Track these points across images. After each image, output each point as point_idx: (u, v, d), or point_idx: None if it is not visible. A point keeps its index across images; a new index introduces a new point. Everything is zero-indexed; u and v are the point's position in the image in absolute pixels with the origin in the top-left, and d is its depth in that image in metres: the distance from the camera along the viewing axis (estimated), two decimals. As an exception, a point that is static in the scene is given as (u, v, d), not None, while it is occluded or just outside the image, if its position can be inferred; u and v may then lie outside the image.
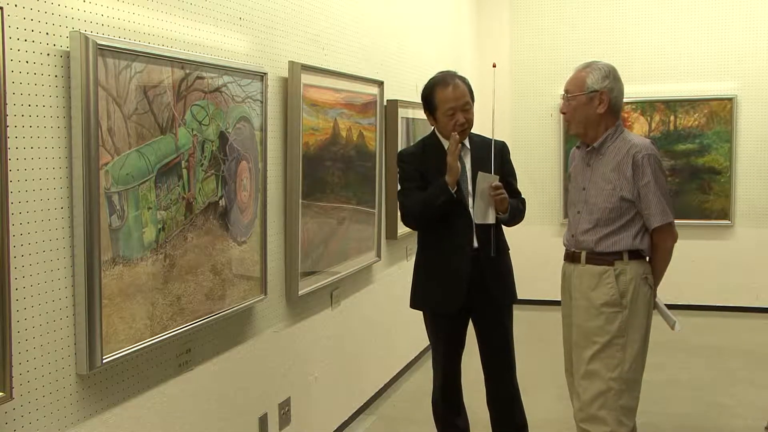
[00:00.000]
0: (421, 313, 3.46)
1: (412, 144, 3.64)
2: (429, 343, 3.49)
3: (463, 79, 3.29)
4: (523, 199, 3.46)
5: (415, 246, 3.45)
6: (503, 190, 3.19)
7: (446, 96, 3.23)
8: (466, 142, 3.31)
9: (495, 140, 3.35)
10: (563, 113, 3.14)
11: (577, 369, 3.04)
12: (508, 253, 3.42)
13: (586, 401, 2.96)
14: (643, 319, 2.98)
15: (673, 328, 3.08)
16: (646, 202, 2.96)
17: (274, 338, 3.33)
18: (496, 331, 3.37)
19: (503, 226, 3.36)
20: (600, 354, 2.94)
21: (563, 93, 3.11)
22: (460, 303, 3.26)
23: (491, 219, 3.22)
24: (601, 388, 2.93)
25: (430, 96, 3.28)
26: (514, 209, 3.30)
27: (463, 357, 3.44)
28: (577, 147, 3.22)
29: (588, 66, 3.05)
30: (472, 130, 3.35)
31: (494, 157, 3.26)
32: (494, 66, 3.49)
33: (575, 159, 3.24)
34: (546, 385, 4.68)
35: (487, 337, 3.39)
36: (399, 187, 3.40)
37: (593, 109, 3.01)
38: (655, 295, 3.06)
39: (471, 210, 3.24)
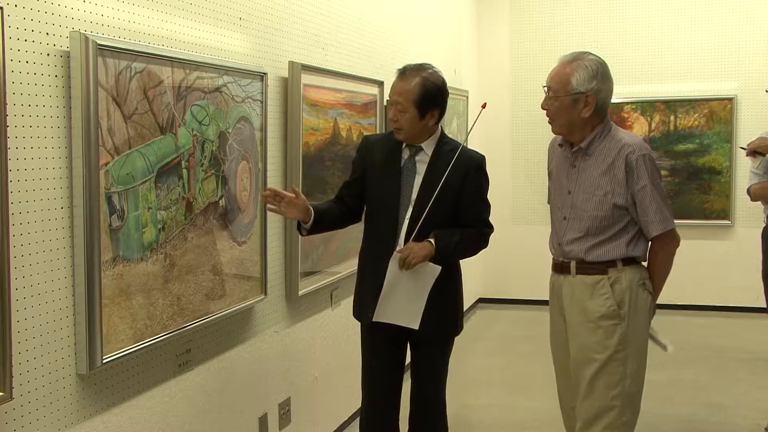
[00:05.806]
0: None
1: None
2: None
3: (424, 79, 2.72)
4: (485, 232, 2.87)
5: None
6: (407, 255, 2.67)
7: (391, 86, 2.82)
8: (426, 147, 2.81)
9: (471, 153, 2.86)
10: (544, 109, 2.75)
11: (576, 387, 2.84)
12: (457, 278, 2.91)
13: (588, 420, 2.78)
14: (643, 329, 2.77)
15: (665, 350, 2.88)
16: (642, 209, 2.68)
17: (274, 338, 3.33)
18: (424, 363, 2.95)
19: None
20: (601, 371, 2.73)
21: (544, 87, 2.75)
22: (369, 317, 2.83)
23: (416, 313, 2.75)
24: (604, 407, 2.74)
25: None
26: (448, 250, 2.73)
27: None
28: (560, 145, 2.88)
29: (575, 60, 2.72)
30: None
31: (452, 170, 2.71)
32: (483, 106, 2.91)
33: (555, 156, 2.90)
34: (543, 386, 4.67)
35: (416, 367, 2.98)
36: None
37: (577, 113, 2.69)
38: (655, 300, 2.82)
39: (405, 223, 2.78)
